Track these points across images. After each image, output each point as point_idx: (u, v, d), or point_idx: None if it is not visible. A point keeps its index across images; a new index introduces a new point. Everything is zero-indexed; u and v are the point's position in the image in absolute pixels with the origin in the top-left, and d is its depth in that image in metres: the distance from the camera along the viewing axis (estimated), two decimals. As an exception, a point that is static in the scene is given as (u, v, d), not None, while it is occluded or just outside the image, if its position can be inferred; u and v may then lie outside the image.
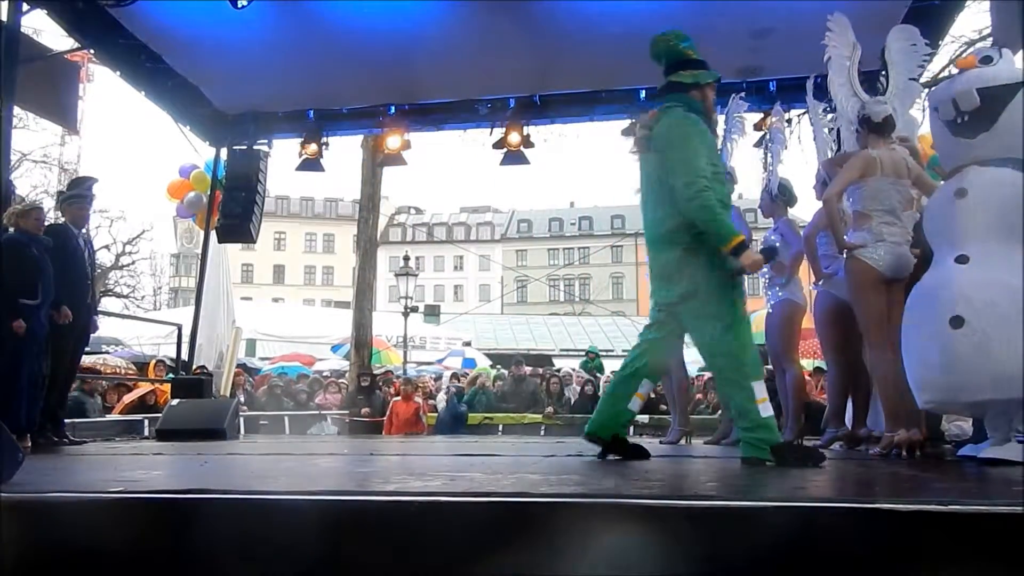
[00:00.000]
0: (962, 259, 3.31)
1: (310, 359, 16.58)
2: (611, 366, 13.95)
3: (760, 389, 3.34)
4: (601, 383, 10.72)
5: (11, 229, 5.13)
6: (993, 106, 3.37)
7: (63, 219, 5.73)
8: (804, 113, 7.63)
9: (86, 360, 7.89)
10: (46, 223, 5.57)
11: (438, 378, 12.74)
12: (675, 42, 3.76)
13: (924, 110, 4.50)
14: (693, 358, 11.08)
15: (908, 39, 4.51)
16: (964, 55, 3.75)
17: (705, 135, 3.55)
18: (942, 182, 3.72)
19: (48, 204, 18.33)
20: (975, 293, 3.19)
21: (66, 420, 5.85)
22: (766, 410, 3.31)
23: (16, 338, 4.90)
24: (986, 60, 3.54)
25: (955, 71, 3.69)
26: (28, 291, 5.00)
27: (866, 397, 4.68)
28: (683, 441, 5.51)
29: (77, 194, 5.76)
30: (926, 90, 4.71)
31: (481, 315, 34.94)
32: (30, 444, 4.95)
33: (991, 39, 5.42)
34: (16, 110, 6.35)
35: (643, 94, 7.22)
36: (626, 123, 7.33)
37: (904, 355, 3.51)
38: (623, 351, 25.05)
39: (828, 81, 4.54)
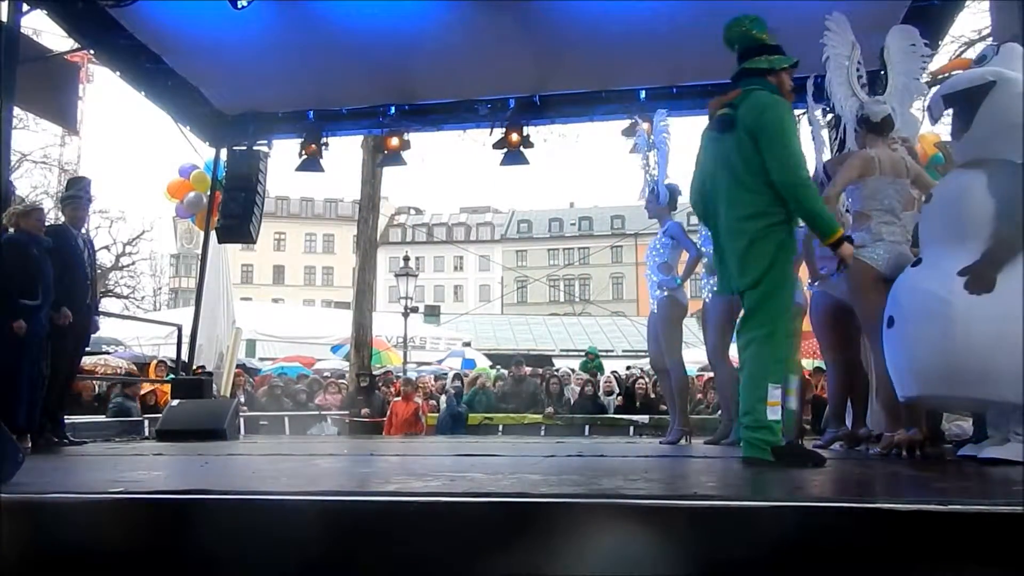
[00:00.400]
0: (916, 262, 3.52)
1: (310, 359, 16.59)
2: (610, 366, 13.96)
3: (776, 393, 3.30)
4: (601, 384, 10.72)
5: (11, 229, 5.14)
6: (965, 109, 3.43)
7: (63, 220, 5.74)
8: (803, 113, 7.62)
9: (86, 361, 7.89)
10: (47, 224, 5.57)
11: (439, 378, 12.73)
12: (749, 27, 3.62)
13: (923, 110, 4.51)
14: (693, 358, 11.09)
15: (907, 39, 4.51)
16: (961, 55, 3.79)
17: (794, 119, 3.54)
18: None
19: (48, 205, 18.34)
20: (904, 296, 3.42)
21: (66, 420, 5.84)
22: (774, 413, 3.28)
23: (16, 338, 4.90)
24: (980, 60, 3.57)
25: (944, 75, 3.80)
26: (28, 291, 5.01)
27: (865, 397, 4.68)
28: (683, 441, 5.52)
29: (72, 195, 5.78)
30: (933, 89, 4.72)
31: (481, 315, 34.95)
32: (30, 444, 4.95)
33: (991, 39, 5.42)
34: (16, 111, 6.36)
35: (643, 94, 7.23)
36: (626, 123, 7.34)
37: None
38: (623, 351, 25.12)
39: (826, 81, 4.53)
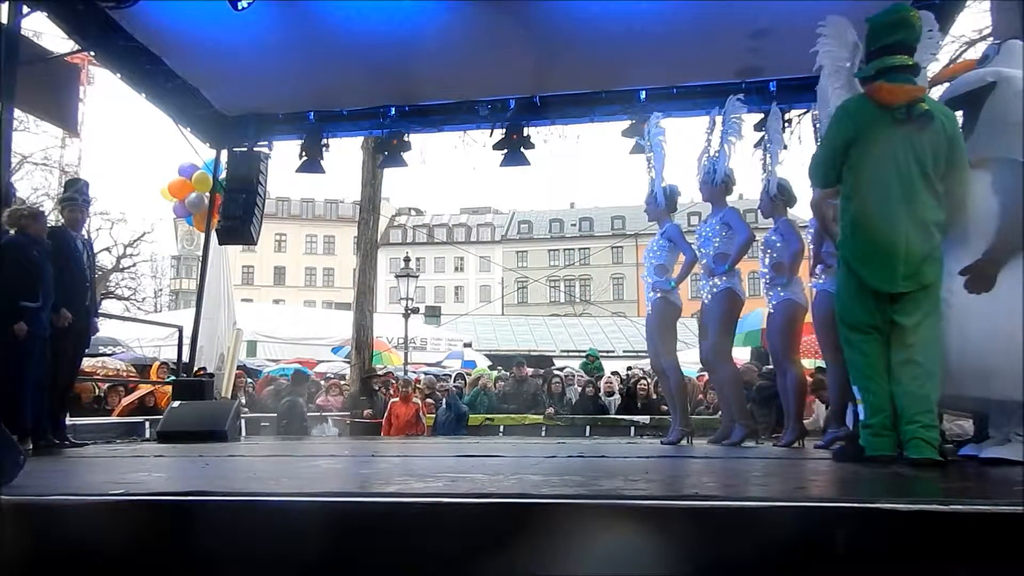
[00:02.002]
0: None
1: (311, 361, 16.58)
2: (611, 367, 13.94)
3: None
4: (601, 384, 10.71)
5: (12, 231, 5.14)
6: (968, 111, 3.42)
7: (62, 222, 5.74)
8: (804, 113, 7.62)
9: (86, 363, 7.89)
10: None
11: (439, 379, 12.72)
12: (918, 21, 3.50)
13: None
14: (692, 359, 11.07)
15: (926, 26, 4.44)
16: (962, 55, 3.78)
17: None
18: None
19: (48, 206, 18.34)
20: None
21: (66, 422, 5.84)
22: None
23: (18, 341, 4.90)
24: (983, 60, 3.57)
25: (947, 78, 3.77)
26: (29, 294, 5.01)
27: None
28: (684, 441, 5.52)
29: (70, 197, 5.78)
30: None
31: (482, 316, 34.94)
32: (31, 446, 4.95)
33: (992, 39, 5.42)
34: (17, 112, 6.36)
35: (643, 94, 7.23)
36: (626, 124, 7.34)
37: None
38: (624, 352, 25.09)
39: (820, 88, 4.45)
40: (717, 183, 5.55)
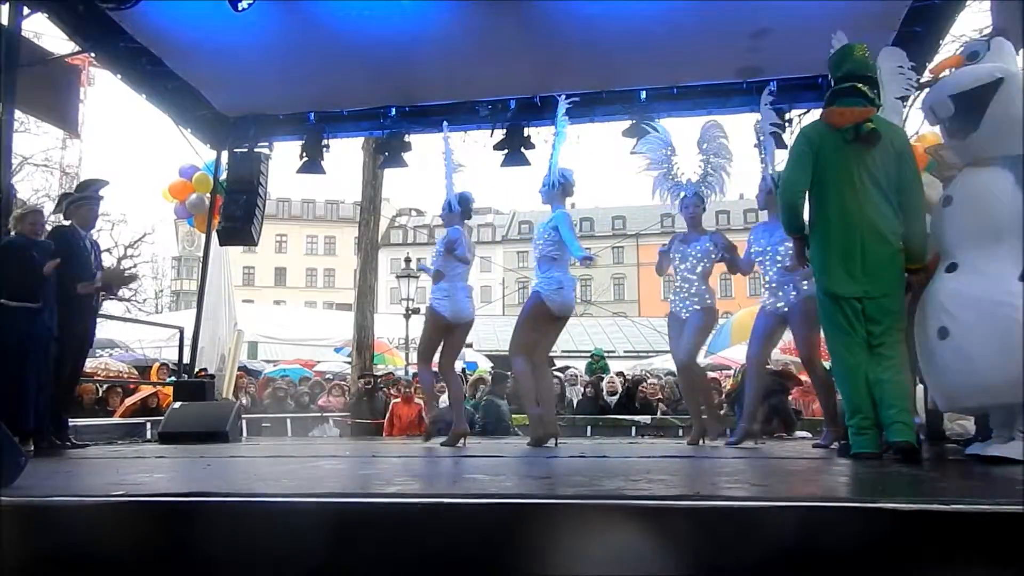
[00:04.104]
0: (951, 268, 3.41)
1: (311, 361, 16.58)
2: (614, 367, 13.95)
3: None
4: (603, 385, 10.71)
5: (13, 232, 5.14)
6: (973, 108, 3.37)
7: (68, 222, 5.71)
8: (805, 113, 7.62)
9: (88, 364, 7.89)
10: (48, 226, 5.55)
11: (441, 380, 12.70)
12: (868, 55, 3.95)
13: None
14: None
15: (896, 61, 4.63)
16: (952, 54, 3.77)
17: None
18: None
19: (49, 208, 18.32)
20: (954, 305, 3.29)
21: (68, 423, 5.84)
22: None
23: (20, 341, 4.91)
24: (972, 56, 3.53)
25: (943, 72, 3.72)
26: (29, 294, 5.00)
27: None
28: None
29: (88, 196, 5.74)
30: (923, 92, 4.76)
31: (482, 316, 34.85)
32: (32, 448, 4.95)
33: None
34: (17, 114, 6.35)
35: (643, 94, 7.23)
36: (626, 124, 7.34)
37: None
38: (625, 352, 25.07)
39: None
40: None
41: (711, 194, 5.63)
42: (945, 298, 3.34)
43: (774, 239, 5.01)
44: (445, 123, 6.23)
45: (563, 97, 5.67)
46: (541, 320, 5.32)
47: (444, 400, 7.32)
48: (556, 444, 5.13)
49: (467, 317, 5.64)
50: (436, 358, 5.75)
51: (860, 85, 3.76)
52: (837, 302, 3.63)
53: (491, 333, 29.65)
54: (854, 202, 3.59)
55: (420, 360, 5.84)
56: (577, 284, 5.30)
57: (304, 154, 7.99)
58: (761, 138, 5.69)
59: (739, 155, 5.71)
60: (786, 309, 4.98)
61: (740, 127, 5.83)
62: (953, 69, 3.64)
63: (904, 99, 4.57)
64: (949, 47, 6.90)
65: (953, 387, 3.37)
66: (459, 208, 5.79)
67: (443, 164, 5.93)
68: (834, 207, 3.64)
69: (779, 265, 4.96)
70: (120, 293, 28.40)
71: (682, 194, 5.61)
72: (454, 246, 5.57)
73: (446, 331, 5.59)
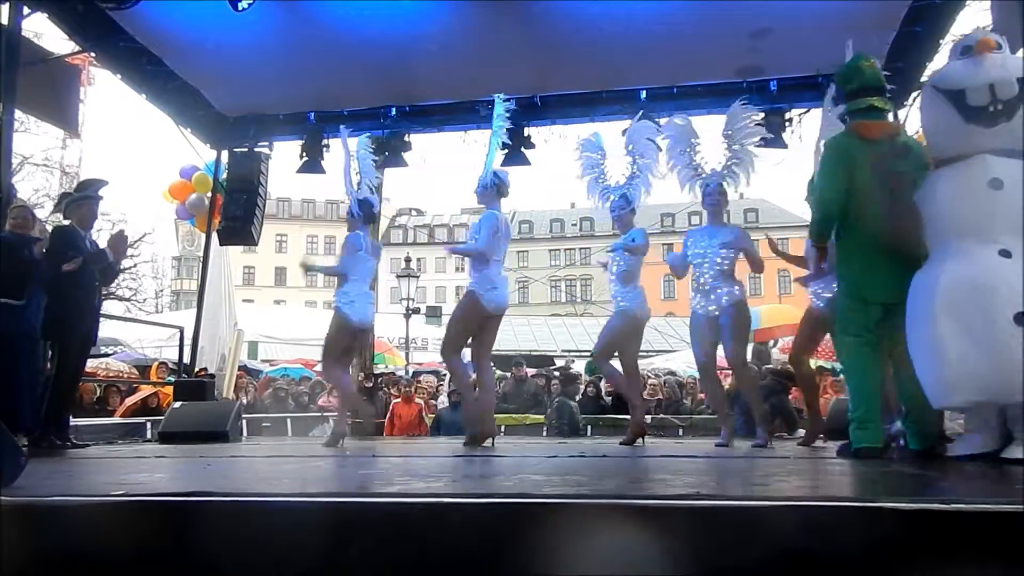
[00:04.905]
0: (1005, 253, 3.20)
1: (312, 361, 16.55)
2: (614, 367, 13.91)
3: None
4: (603, 384, 10.69)
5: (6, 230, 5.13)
6: (1021, 97, 3.28)
7: (68, 221, 5.70)
8: (804, 113, 7.61)
9: (89, 364, 7.90)
10: (49, 225, 5.54)
11: (440, 379, 12.71)
12: (877, 66, 4.09)
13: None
14: (692, 360, 11.04)
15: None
16: (980, 38, 3.57)
17: None
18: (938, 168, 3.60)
19: (48, 207, 18.32)
20: (1010, 294, 3.08)
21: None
22: None
23: (7, 340, 4.88)
24: (966, 50, 3.48)
25: (968, 55, 3.47)
26: (13, 291, 4.98)
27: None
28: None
29: (87, 195, 5.74)
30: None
31: (482, 316, 34.81)
32: (25, 444, 4.93)
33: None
34: (17, 113, 6.35)
35: (643, 94, 7.23)
36: (626, 124, 7.33)
37: (925, 353, 3.38)
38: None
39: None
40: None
41: (638, 196, 5.85)
42: (999, 285, 3.12)
43: (713, 243, 5.21)
44: (343, 127, 6.30)
45: (500, 97, 5.74)
46: (475, 318, 5.38)
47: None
48: (493, 444, 5.21)
49: (372, 321, 5.88)
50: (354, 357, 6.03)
51: (876, 102, 3.90)
52: (865, 306, 3.77)
53: (491, 333, 29.50)
54: (883, 211, 3.67)
55: (325, 362, 5.94)
56: (509, 282, 5.42)
57: (304, 154, 7.99)
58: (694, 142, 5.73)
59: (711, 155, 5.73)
60: (717, 312, 5.15)
61: (709, 125, 5.83)
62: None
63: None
64: (949, 47, 6.89)
65: (995, 377, 3.11)
66: (360, 212, 5.86)
67: (342, 168, 6.04)
68: (864, 216, 3.73)
69: (716, 269, 5.17)
70: (119, 293, 28.42)
71: (612, 197, 5.92)
72: (352, 251, 5.76)
73: (353, 334, 5.76)
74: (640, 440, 5.39)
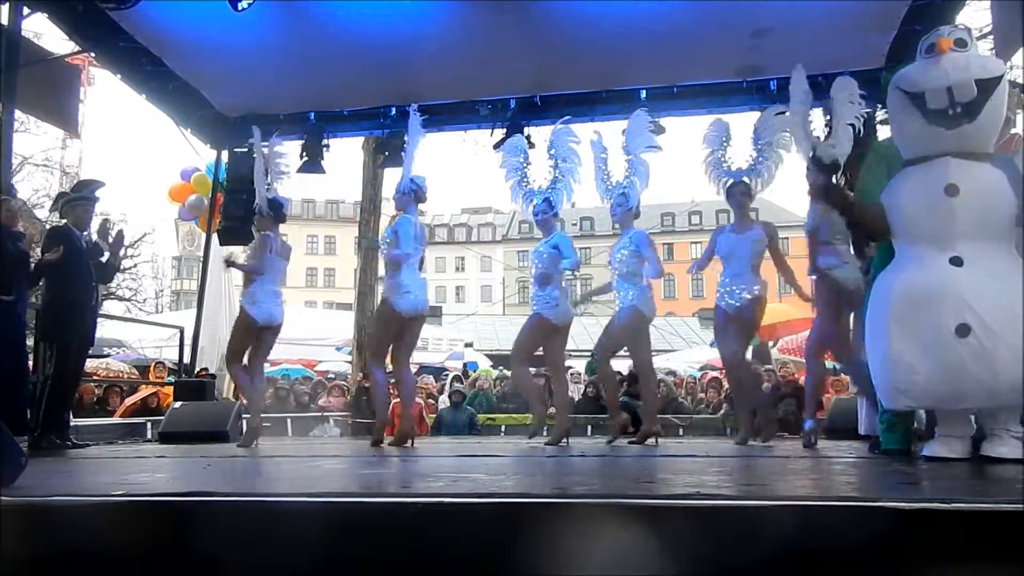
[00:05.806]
0: (956, 261, 3.20)
1: (312, 361, 16.56)
2: (614, 367, 13.90)
3: None
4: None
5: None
6: (983, 98, 3.22)
7: (64, 221, 5.70)
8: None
9: (89, 364, 7.90)
10: (48, 225, 5.53)
11: (440, 379, 12.72)
12: None
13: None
14: (695, 358, 11.01)
15: (848, 91, 4.72)
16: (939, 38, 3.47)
17: None
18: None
19: (48, 208, 18.30)
20: (978, 301, 3.10)
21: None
22: None
23: None
24: (960, 44, 3.34)
25: (930, 55, 3.38)
26: (1, 286, 4.96)
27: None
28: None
29: (83, 196, 5.73)
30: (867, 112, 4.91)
31: (483, 316, 34.90)
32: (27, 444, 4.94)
33: (992, 38, 5.41)
34: (17, 114, 6.35)
35: (643, 94, 7.23)
36: (626, 124, 7.33)
37: (878, 357, 3.38)
38: (625, 351, 24.99)
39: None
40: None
41: (562, 199, 6.23)
42: (968, 295, 3.11)
43: (741, 239, 5.31)
44: (255, 128, 6.30)
45: (413, 108, 5.86)
46: (392, 323, 5.49)
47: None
48: (412, 445, 5.38)
49: (277, 320, 5.90)
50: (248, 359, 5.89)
51: None
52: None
53: (492, 332, 29.64)
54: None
55: (228, 361, 5.99)
56: (428, 286, 5.61)
57: (304, 154, 7.98)
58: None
59: (741, 154, 5.71)
60: (738, 305, 5.20)
61: (741, 126, 5.80)
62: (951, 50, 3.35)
63: (853, 126, 4.66)
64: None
65: (966, 387, 3.12)
66: (269, 212, 6.00)
67: (260, 171, 6.10)
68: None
69: (743, 265, 5.22)
70: (119, 293, 28.42)
71: (535, 200, 6.16)
72: (264, 251, 5.87)
73: (256, 333, 5.78)
74: (654, 440, 5.41)
